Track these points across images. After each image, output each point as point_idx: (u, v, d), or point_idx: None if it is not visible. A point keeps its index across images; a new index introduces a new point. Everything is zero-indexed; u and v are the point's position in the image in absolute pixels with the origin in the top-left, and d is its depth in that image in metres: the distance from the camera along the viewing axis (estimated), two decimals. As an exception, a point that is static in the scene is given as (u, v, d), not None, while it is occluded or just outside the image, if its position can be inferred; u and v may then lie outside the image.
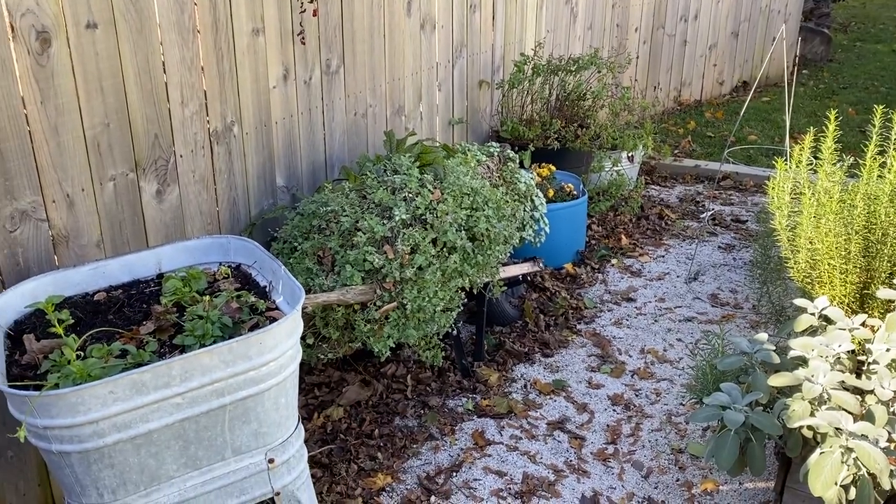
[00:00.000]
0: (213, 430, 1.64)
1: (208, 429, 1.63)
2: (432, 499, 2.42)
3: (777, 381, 2.05)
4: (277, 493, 1.80)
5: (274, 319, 1.80)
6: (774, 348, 2.20)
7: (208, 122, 2.57)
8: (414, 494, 2.42)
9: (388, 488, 2.46)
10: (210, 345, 1.66)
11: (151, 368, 1.49)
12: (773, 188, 2.60)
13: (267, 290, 1.95)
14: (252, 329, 1.74)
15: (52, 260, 2.16)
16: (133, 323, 1.81)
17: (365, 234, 2.48)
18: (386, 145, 3.15)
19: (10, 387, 1.47)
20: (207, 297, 1.76)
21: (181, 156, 2.48)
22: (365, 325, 2.47)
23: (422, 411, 2.83)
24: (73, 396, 1.44)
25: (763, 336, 2.25)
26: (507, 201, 2.72)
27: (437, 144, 3.10)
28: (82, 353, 1.56)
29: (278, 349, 1.65)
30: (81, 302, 1.91)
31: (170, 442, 1.59)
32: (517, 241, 2.83)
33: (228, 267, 2.06)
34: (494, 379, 3.00)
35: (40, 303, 1.62)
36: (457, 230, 2.54)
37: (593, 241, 4.15)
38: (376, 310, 2.45)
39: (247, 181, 2.80)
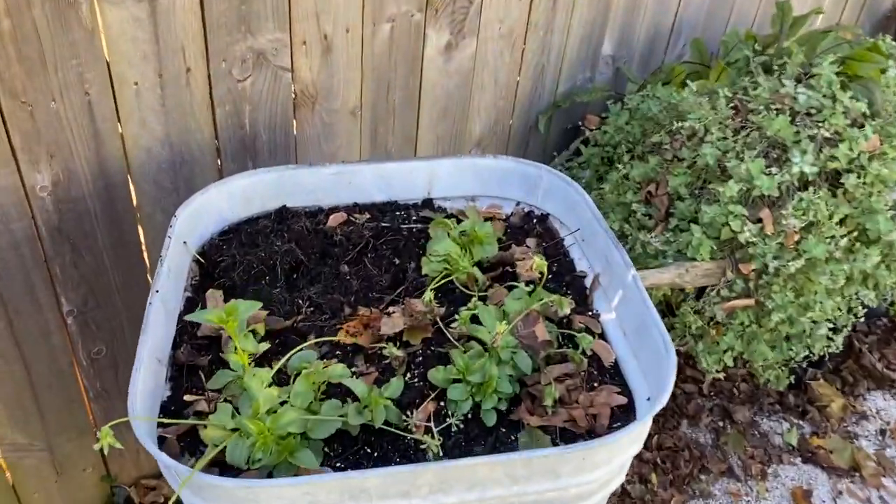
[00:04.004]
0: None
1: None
2: (721, 586, 1.66)
3: None
4: None
5: (598, 362, 1.02)
6: None
7: (539, -51, 1.68)
8: (695, 567, 1.68)
9: (658, 540, 1.73)
10: (489, 405, 0.93)
11: (383, 475, 0.79)
12: None
13: (589, 287, 1.15)
14: (559, 368, 0.98)
15: (290, 126, 1.51)
16: (374, 287, 1.11)
17: (737, 183, 1.55)
18: (774, 22, 2.05)
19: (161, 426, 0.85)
20: (510, 296, 0.99)
21: (490, -3, 1.65)
22: (694, 318, 1.62)
23: (720, 423, 2.01)
24: (240, 492, 0.78)
25: None
26: None
27: (862, 38, 1.95)
28: (278, 371, 0.89)
29: (607, 466, 0.88)
30: (305, 230, 1.22)
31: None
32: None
33: (531, 213, 1.27)
34: (837, 406, 2.06)
35: (218, 313, 0.83)
36: (894, 215, 1.52)
37: None
38: (719, 301, 1.58)
39: (565, 42, 1.92)
